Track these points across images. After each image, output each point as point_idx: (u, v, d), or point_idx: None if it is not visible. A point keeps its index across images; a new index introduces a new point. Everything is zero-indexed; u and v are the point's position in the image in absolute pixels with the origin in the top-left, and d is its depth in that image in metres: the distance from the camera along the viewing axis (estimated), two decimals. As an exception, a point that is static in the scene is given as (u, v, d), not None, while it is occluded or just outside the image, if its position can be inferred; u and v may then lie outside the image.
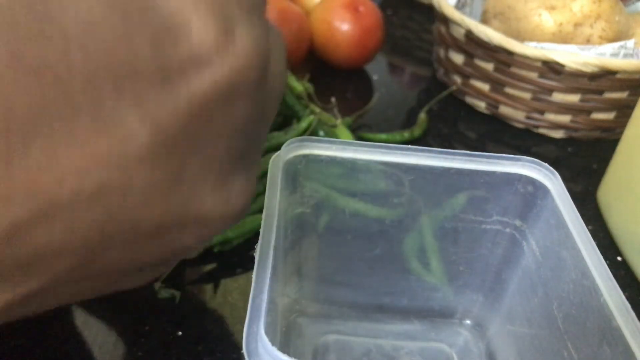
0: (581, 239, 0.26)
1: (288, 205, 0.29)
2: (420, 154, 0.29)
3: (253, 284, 0.22)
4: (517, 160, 0.30)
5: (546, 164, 0.30)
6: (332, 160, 0.29)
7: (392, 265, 0.34)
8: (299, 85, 0.48)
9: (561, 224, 0.27)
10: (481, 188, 0.30)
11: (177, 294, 0.35)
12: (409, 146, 0.29)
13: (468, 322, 0.36)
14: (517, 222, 0.31)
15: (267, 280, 0.22)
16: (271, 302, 0.21)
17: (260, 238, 0.24)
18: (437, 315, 0.34)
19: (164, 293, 0.35)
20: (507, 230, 0.31)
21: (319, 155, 0.28)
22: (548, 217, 0.29)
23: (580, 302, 0.25)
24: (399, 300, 0.34)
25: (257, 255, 0.23)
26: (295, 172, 0.29)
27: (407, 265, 0.33)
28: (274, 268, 0.23)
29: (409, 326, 0.29)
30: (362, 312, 0.35)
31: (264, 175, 0.38)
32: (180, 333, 0.33)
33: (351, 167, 0.29)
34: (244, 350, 0.20)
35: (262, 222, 0.24)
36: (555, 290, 0.28)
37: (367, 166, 0.29)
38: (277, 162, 0.27)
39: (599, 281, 0.24)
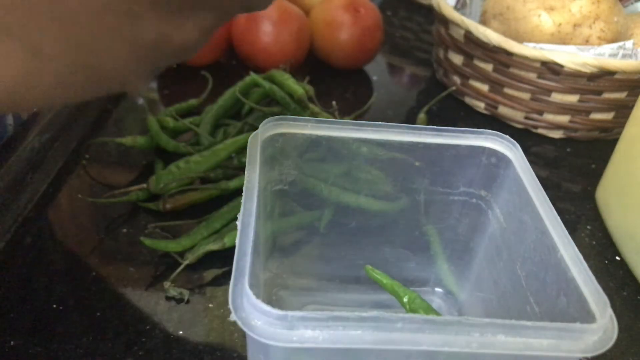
0: (540, 202, 0.28)
1: (267, 182, 0.30)
2: (390, 130, 0.30)
3: (237, 249, 0.22)
4: (480, 133, 0.31)
5: (507, 136, 0.31)
6: (308, 138, 0.30)
7: (367, 238, 0.35)
8: (299, 88, 0.47)
9: (522, 191, 0.29)
10: (448, 161, 0.31)
11: (186, 292, 0.35)
12: (380, 123, 0.30)
13: (440, 290, 0.37)
14: (482, 192, 0.32)
15: (250, 244, 0.23)
16: (253, 276, 0.22)
17: (242, 207, 0.25)
18: (410, 284, 0.35)
19: (173, 292, 0.35)
20: (473, 200, 0.33)
21: (295, 134, 0.29)
22: (510, 185, 0.30)
23: (540, 260, 0.27)
24: (375, 271, 0.35)
25: (239, 223, 0.24)
26: (273, 150, 0.30)
27: (384, 239, 0.35)
28: (256, 238, 0.24)
29: (385, 296, 0.30)
30: (340, 284, 0.36)
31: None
32: (181, 332, 0.33)
33: (326, 145, 0.30)
34: (230, 306, 0.20)
35: (243, 194, 0.26)
36: (518, 252, 0.29)
37: (342, 143, 0.30)
38: (255, 140, 0.29)
39: (556, 239, 0.26)
